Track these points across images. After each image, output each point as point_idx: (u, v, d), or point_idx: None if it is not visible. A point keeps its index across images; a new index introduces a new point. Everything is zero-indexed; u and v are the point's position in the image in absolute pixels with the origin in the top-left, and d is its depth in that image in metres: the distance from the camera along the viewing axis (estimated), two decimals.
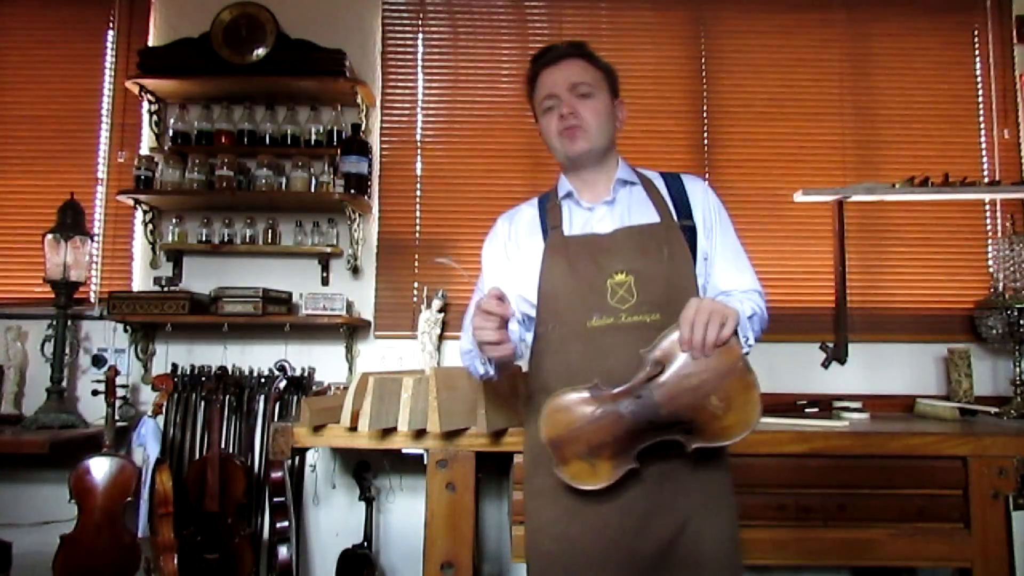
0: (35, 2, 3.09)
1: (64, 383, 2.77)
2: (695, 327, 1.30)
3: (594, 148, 1.58)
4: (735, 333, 1.34)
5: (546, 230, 1.59)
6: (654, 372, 1.32)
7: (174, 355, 2.90)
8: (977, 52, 3.07)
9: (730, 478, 1.53)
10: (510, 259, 1.62)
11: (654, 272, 1.48)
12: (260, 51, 2.83)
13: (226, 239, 2.91)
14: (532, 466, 1.56)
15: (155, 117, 2.97)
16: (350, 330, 2.91)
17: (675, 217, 1.56)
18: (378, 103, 3.04)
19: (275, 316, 2.77)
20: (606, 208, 1.60)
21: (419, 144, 3.06)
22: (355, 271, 2.96)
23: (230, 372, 2.84)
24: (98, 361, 2.90)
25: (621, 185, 1.62)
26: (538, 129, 1.69)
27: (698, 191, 1.63)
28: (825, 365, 2.61)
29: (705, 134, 3.05)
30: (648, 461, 1.40)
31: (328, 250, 2.90)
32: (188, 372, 2.85)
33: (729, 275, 1.60)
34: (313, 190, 2.87)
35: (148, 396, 2.88)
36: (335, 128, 2.91)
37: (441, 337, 2.87)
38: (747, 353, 1.49)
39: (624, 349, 1.44)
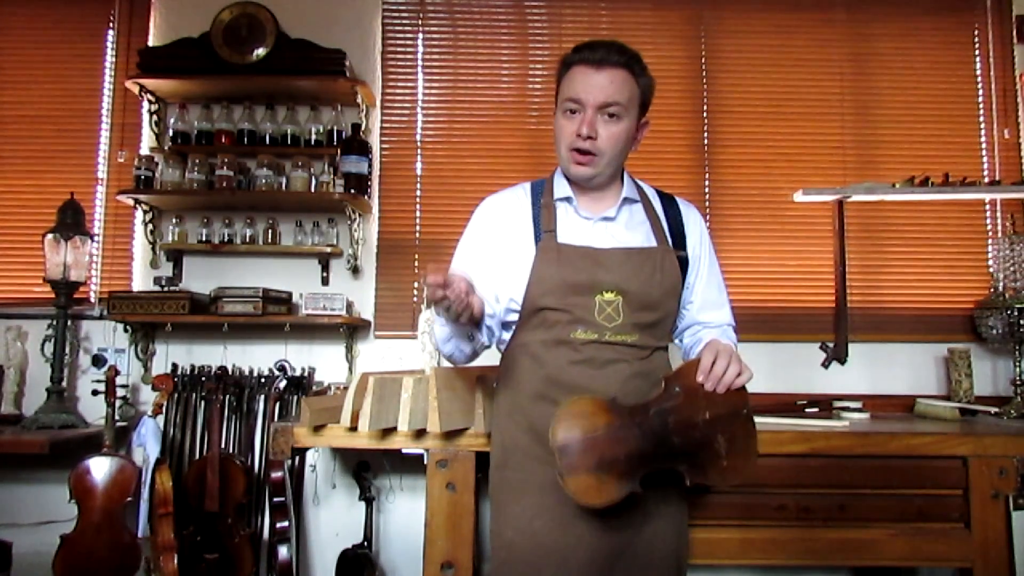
0: (35, 2, 3.09)
1: (64, 383, 2.77)
2: (716, 363, 1.38)
3: (599, 176, 1.55)
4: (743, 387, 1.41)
5: (538, 232, 1.55)
6: (670, 393, 1.36)
7: (174, 355, 2.90)
8: (977, 52, 3.07)
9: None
10: (496, 244, 1.59)
11: (644, 296, 1.50)
12: (260, 51, 2.83)
13: (226, 239, 2.91)
14: (502, 459, 1.58)
15: (155, 117, 2.97)
16: (350, 330, 2.91)
17: (670, 244, 1.58)
18: (378, 103, 3.04)
19: (275, 316, 2.77)
20: (604, 224, 1.57)
21: (419, 144, 3.06)
22: (355, 271, 2.96)
23: (230, 372, 2.84)
24: (98, 361, 2.90)
25: (624, 204, 1.60)
26: (553, 119, 1.61)
27: (693, 222, 1.65)
28: (825, 365, 2.61)
29: (705, 134, 3.05)
30: None
31: (328, 250, 2.90)
32: (188, 372, 2.85)
33: (710, 309, 1.64)
34: (313, 190, 2.87)
35: (148, 396, 2.88)
36: (335, 128, 2.91)
37: None
38: None
39: (608, 365, 1.48)
